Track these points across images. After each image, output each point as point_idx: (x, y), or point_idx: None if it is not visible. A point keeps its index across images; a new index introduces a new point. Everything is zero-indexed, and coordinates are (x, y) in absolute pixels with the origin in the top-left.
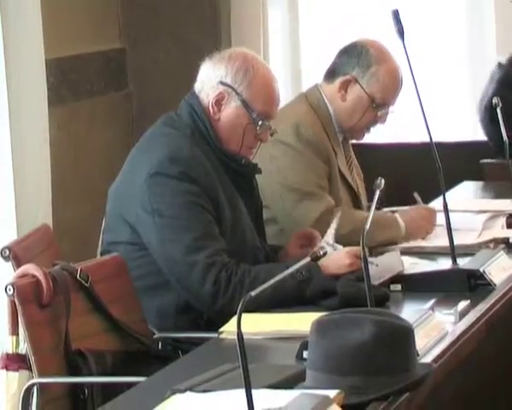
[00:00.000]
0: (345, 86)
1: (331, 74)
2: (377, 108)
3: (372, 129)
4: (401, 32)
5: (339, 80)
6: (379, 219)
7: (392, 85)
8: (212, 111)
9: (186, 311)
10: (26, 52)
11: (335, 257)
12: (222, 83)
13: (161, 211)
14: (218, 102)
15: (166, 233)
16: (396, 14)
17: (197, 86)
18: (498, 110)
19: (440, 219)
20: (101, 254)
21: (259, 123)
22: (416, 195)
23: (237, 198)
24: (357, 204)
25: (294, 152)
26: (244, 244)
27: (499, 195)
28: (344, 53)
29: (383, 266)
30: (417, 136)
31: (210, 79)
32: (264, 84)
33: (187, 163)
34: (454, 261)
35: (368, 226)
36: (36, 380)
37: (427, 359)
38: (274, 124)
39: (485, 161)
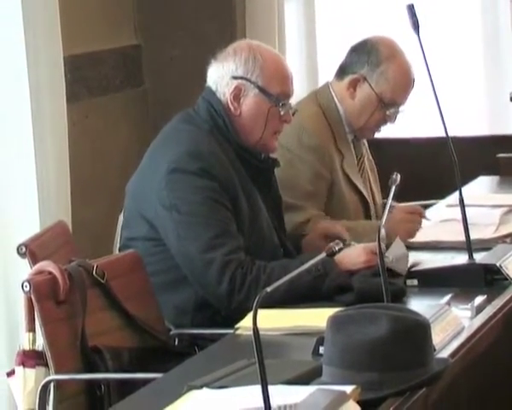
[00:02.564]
0: (354, 85)
1: (341, 72)
2: (386, 107)
3: (383, 127)
4: (416, 26)
5: (348, 78)
6: (357, 228)
7: (402, 85)
8: (232, 108)
9: (204, 307)
10: (45, 50)
11: (351, 253)
12: (235, 77)
13: (179, 207)
14: (236, 96)
15: (184, 230)
16: (411, 8)
17: (211, 85)
18: None
19: (457, 213)
20: (120, 250)
21: (281, 104)
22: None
23: (256, 194)
24: (366, 207)
25: (292, 156)
26: (262, 240)
27: None
28: (354, 51)
29: (396, 261)
30: (433, 130)
31: (222, 77)
32: (275, 65)
33: (206, 159)
34: (470, 256)
35: (384, 221)
36: (52, 377)
37: (444, 354)
38: None
39: (501, 155)
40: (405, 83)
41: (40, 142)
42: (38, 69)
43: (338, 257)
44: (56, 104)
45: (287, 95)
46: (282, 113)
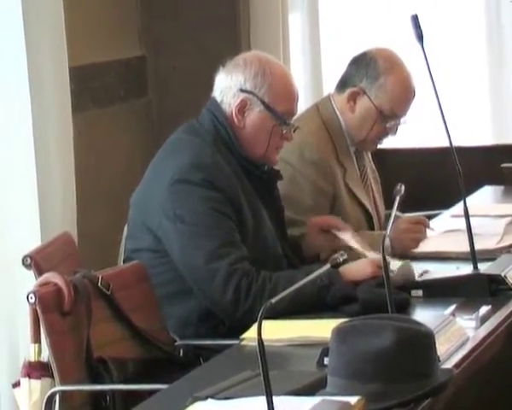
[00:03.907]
0: (353, 98)
1: (341, 84)
2: (386, 119)
3: (384, 139)
4: (420, 37)
5: (348, 91)
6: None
7: (401, 97)
8: (236, 120)
9: (208, 318)
10: (49, 61)
11: (357, 266)
12: (242, 90)
13: (183, 218)
14: (241, 109)
15: (188, 240)
16: (415, 19)
17: (217, 96)
18: None
19: (461, 224)
20: (124, 262)
21: (285, 122)
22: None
23: (259, 205)
24: (369, 219)
25: (293, 171)
26: (266, 251)
27: None
28: (353, 63)
29: (398, 274)
30: (437, 140)
31: (229, 88)
32: (283, 83)
33: (209, 170)
34: (475, 266)
35: (388, 232)
36: (58, 388)
37: (449, 364)
38: None
39: (505, 165)
40: (405, 95)
41: (44, 153)
42: (42, 80)
43: (343, 269)
44: (61, 115)
45: (291, 114)
46: (284, 131)
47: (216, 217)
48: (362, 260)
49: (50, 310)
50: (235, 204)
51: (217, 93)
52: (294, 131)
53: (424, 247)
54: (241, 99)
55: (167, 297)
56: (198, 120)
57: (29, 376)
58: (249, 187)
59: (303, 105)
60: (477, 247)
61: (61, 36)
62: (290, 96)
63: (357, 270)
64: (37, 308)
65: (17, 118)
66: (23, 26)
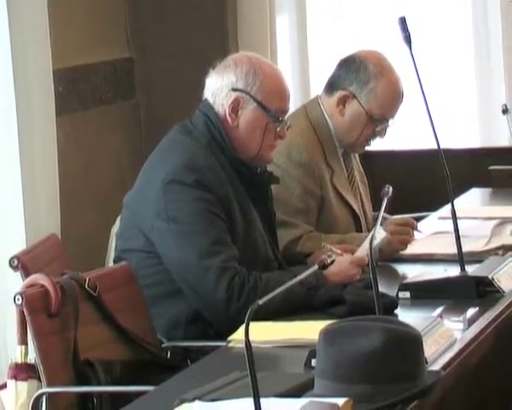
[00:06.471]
0: (343, 101)
1: (330, 87)
2: (376, 123)
3: (373, 141)
4: (408, 40)
5: (337, 95)
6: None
7: (391, 101)
8: (230, 120)
9: (196, 321)
10: (33, 62)
11: (340, 268)
12: (234, 89)
13: (176, 218)
14: (234, 108)
15: (181, 239)
16: (403, 22)
17: (209, 98)
18: (509, 116)
19: (449, 226)
20: (115, 261)
21: (279, 119)
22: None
23: (250, 207)
24: (356, 221)
25: (281, 172)
26: (256, 253)
27: (508, 201)
28: (342, 66)
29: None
30: (425, 143)
31: (221, 88)
32: (275, 81)
33: (202, 172)
34: (462, 268)
35: (376, 234)
36: (45, 390)
37: (436, 366)
38: None
39: (493, 167)
40: (394, 98)
41: (26, 154)
42: (27, 82)
43: (327, 272)
44: (45, 117)
45: (284, 111)
46: (278, 128)
47: (208, 217)
48: (342, 260)
49: (37, 312)
50: (225, 206)
51: (208, 95)
52: (287, 129)
53: (412, 249)
54: (233, 98)
55: (156, 298)
56: (191, 121)
57: (15, 378)
58: (241, 189)
59: (290, 106)
60: (465, 249)
61: (45, 38)
62: (282, 94)
63: (340, 273)
64: (24, 310)
65: (2, 121)
66: (8, 30)
